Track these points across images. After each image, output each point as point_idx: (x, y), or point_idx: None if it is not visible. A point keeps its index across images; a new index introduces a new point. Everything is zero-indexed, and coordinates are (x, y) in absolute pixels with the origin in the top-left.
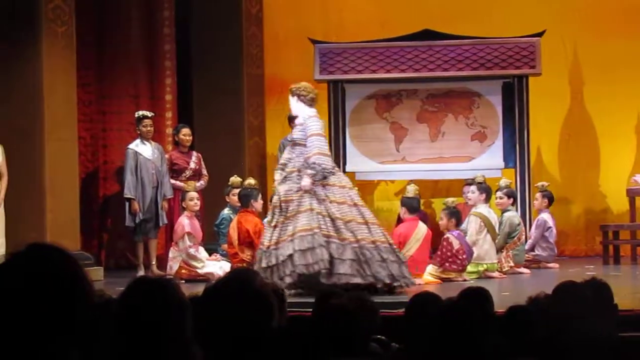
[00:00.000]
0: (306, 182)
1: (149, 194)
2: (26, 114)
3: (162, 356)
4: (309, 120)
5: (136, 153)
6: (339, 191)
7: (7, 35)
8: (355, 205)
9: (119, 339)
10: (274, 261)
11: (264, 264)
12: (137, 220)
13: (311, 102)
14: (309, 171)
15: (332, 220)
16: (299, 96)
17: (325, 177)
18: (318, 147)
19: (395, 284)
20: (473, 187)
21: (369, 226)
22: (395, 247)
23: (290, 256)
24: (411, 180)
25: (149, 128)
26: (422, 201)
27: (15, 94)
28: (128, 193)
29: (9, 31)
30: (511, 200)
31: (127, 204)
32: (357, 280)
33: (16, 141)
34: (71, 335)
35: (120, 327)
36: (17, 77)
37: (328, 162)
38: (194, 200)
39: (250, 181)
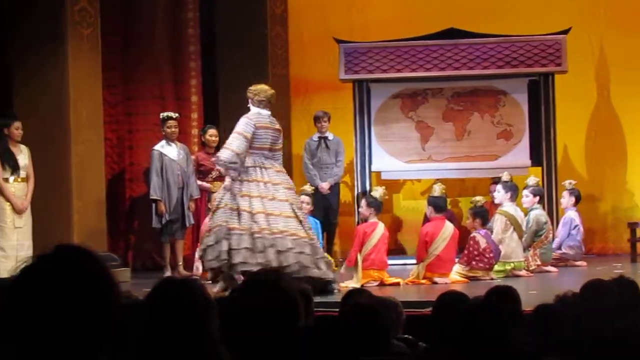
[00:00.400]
0: (227, 180)
1: (175, 195)
2: (52, 116)
3: (189, 357)
4: (241, 119)
5: (161, 154)
6: (256, 186)
7: (33, 37)
8: (274, 199)
9: (146, 340)
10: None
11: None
12: (164, 222)
13: (259, 104)
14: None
15: (239, 213)
16: (249, 97)
17: (237, 172)
18: (227, 143)
19: (302, 275)
20: (499, 186)
21: (285, 219)
22: (315, 242)
23: (204, 251)
24: (437, 179)
25: (173, 129)
26: (448, 200)
27: (42, 96)
28: (154, 194)
29: (35, 33)
30: (537, 198)
31: (153, 205)
32: (252, 268)
33: (43, 143)
34: (99, 337)
35: (147, 328)
36: (43, 79)
37: (230, 156)
38: None
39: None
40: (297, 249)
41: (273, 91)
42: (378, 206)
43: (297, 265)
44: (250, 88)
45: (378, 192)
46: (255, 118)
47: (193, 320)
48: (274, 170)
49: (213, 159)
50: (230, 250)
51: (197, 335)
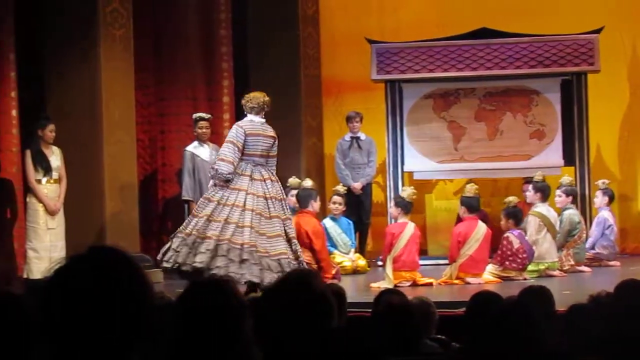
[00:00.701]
0: (210, 184)
1: None
2: (85, 117)
3: (221, 357)
4: (233, 126)
5: (193, 155)
6: (233, 194)
7: (65, 39)
8: (241, 207)
9: (178, 340)
10: None
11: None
12: None
13: (251, 110)
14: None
15: (208, 220)
16: (243, 105)
17: (227, 181)
18: (222, 154)
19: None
20: (530, 186)
21: (244, 229)
22: (259, 252)
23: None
24: (470, 179)
25: (204, 130)
26: (481, 200)
27: (74, 97)
28: (186, 195)
29: (67, 35)
30: (570, 198)
31: (185, 205)
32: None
33: (76, 144)
34: (132, 338)
35: (179, 329)
36: (76, 80)
37: (229, 168)
38: None
39: (308, 182)
40: (251, 261)
41: (267, 98)
42: (405, 206)
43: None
44: (245, 95)
45: (406, 192)
46: (246, 125)
47: (225, 321)
48: (261, 181)
49: (211, 168)
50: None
51: (229, 336)
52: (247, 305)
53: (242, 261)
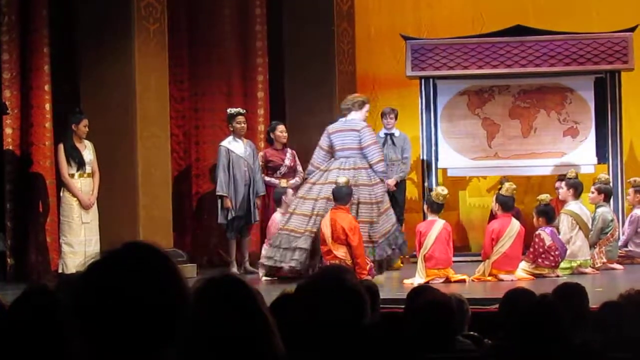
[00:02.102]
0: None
1: (242, 191)
2: (119, 111)
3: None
4: (366, 128)
5: (228, 150)
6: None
7: (99, 33)
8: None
9: (195, 338)
10: None
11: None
12: (230, 217)
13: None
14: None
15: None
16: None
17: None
18: (376, 155)
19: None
20: (562, 183)
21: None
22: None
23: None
24: (505, 177)
25: (242, 125)
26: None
27: (108, 91)
28: (220, 190)
29: (101, 29)
30: (602, 195)
31: (219, 201)
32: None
33: (109, 138)
34: (167, 333)
35: (191, 325)
36: (110, 75)
37: (385, 167)
38: (293, 196)
39: (343, 179)
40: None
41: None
42: (432, 204)
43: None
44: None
45: (434, 192)
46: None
47: (236, 319)
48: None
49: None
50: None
51: (247, 327)
52: (260, 300)
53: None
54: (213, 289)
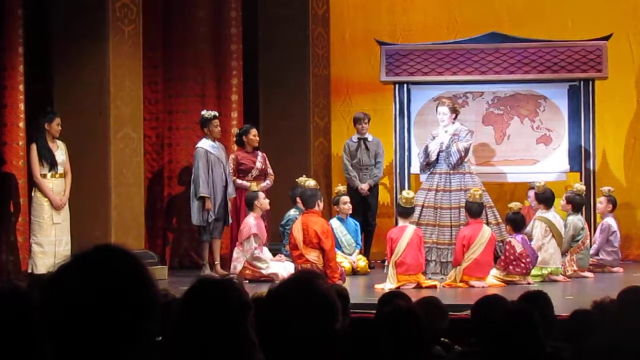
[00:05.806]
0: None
1: (220, 193)
2: (92, 111)
3: (223, 357)
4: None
5: (207, 152)
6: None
7: (74, 33)
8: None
9: (181, 338)
10: None
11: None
12: (210, 220)
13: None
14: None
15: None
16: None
17: None
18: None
19: None
20: (533, 192)
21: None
22: None
23: None
24: None
25: (219, 128)
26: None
27: (82, 92)
28: (204, 192)
29: (76, 29)
30: (570, 205)
31: (197, 203)
32: None
33: (82, 138)
34: (135, 335)
35: (183, 327)
36: (84, 75)
37: None
38: (265, 199)
39: (312, 182)
40: None
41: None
42: (397, 207)
43: None
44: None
45: (402, 197)
46: None
47: (229, 321)
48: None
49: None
50: None
51: (232, 336)
52: (251, 305)
53: None
54: (207, 292)
